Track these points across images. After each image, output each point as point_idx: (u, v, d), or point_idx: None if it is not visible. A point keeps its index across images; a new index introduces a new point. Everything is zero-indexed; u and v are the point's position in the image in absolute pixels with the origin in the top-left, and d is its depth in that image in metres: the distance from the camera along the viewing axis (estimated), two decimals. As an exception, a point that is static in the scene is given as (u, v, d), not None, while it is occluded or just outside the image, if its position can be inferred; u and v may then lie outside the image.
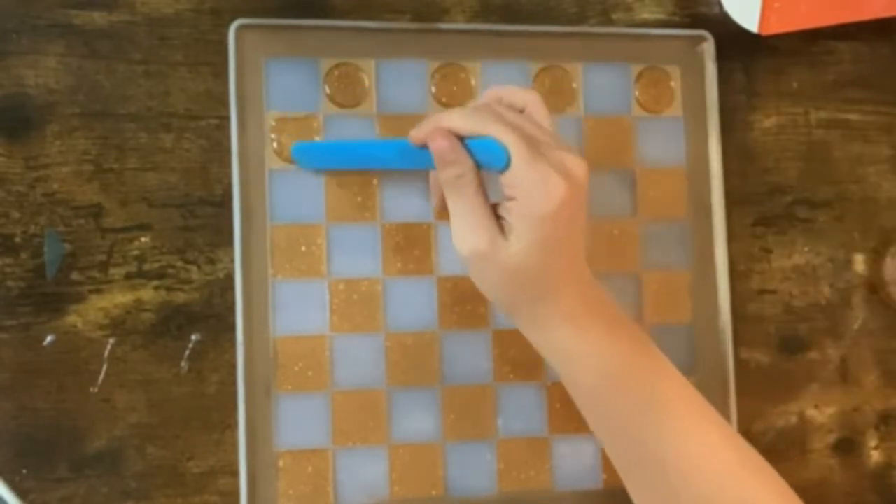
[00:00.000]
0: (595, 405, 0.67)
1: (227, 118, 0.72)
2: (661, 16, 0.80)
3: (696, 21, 0.80)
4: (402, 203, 0.74)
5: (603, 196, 0.77)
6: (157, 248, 0.71)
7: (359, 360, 0.73)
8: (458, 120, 0.64)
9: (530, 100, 0.67)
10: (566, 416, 0.74)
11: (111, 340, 0.70)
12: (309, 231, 0.73)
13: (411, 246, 0.74)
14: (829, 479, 0.80)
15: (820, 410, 0.80)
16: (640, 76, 0.78)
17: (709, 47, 0.79)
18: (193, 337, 0.71)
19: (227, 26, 0.73)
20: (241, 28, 0.73)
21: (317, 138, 0.74)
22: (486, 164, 0.63)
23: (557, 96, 0.77)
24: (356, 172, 0.74)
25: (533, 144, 0.62)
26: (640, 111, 0.78)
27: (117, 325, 0.70)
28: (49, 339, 0.70)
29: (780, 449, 0.79)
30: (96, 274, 0.70)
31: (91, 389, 0.70)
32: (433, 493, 0.73)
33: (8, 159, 0.70)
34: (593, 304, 0.66)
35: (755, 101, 0.81)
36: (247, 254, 0.72)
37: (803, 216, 0.81)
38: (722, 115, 0.79)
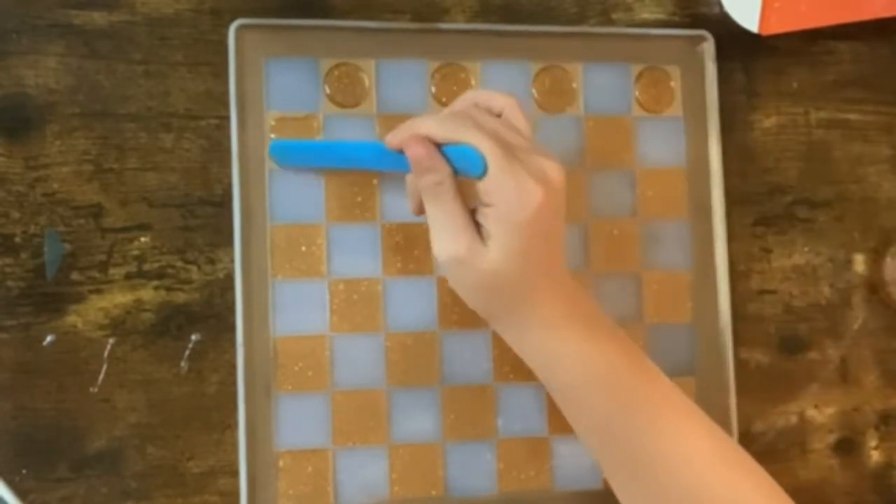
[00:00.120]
0: (577, 406, 0.67)
1: (227, 118, 0.72)
2: (661, 16, 0.80)
3: (696, 21, 0.80)
4: (402, 203, 0.74)
5: (603, 196, 0.77)
6: (157, 248, 0.71)
7: (359, 360, 0.73)
8: (433, 127, 0.64)
9: (507, 104, 0.67)
10: (566, 416, 0.74)
11: (111, 340, 0.70)
12: (309, 231, 0.73)
13: (411, 246, 0.74)
14: (829, 479, 0.80)
15: (820, 410, 0.80)
16: (640, 76, 0.78)
17: (709, 47, 0.79)
18: (193, 337, 0.71)
19: (227, 26, 0.73)
20: (241, 28, 0.73)
21: (317, 138, 0.74)
22: (463, 170, 0.63)
23: (557, 96, 0.77)
24: (356, 172, 0.74)
25: (509, 150, 0.62)
26: (640, 111, 0.78)
27: (117, 325, 0.70)
28: (49, 339, 0.70)
29: (780, 449, 0.79)
30: (96, 274, 0.70)
31: (91, 389, 0.70)
32: (433, 493, 0.73)
33: (8, 159, 0.70)
34: (573, 306, 0.66)
35: (755, 101, 0.81)
36: (247, 254, 0.72)
37: (803, 216, 0.81)
38: (722, 115, 0.79)
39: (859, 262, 0.82)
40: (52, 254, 0.70)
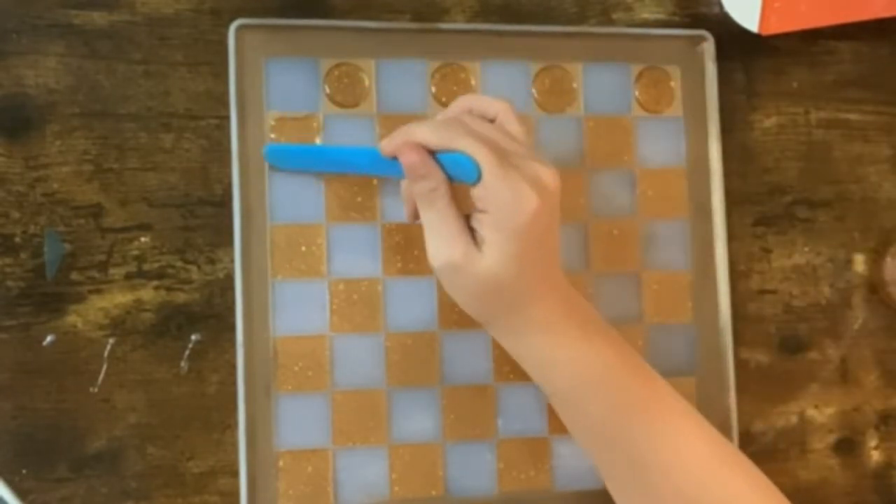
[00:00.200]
0: (573, 409, 0.67)
1: (227, 118, 0.72)
2: (661, 16, 0.80)
3: (696, 21, 0.80)
4: (401, 204, 0.74)
5: (603, 196, 0.77)
6: (157, 248, 0.71)
7: (359, 360, 0.73)
8: (427, 134, 0.64)
9: (501, 108, 0.67)
10: (566, 416, 0.74)
11: (111, 340, 0.70)
12: (309, 231, 0.73)
13: (411, 246, 0.74)
14: (829, 479, 0.80)
15: (820, 410, 0.80)
16: (640, 76, 0.78)
17: (709, 47, 0.79)
18: (193, 337, 0.71)
19: (227, 26, 0.73)
20: (241, 28, 0.73)
21: (317, 138, 0.74)
22: (457, 177, 0.63)
23: (557, 96, 0.77)
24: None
25: (504, 157, 0.62)
26: (640, 111, 0.78)
27: (117, 325, 0.70)
28: (49, 339, 0.70)
29: (780, 449, 0.79)
30: (96, 274, 0.70)
31: (91, 389, 0.70)
32: (433, 493, 0.73)
33: (8, 159, 0.70)
34: (568, 310, 0.66)
35: (755, 101, 0.81)
36: (247, 254, 0.72)
37: (803, 216, 0.81)
38: (722, 115, 0.79)
39: (859, 262, 0.82)
40: (52, 254, 0.70)
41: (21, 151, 0.70)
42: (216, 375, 0.71)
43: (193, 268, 0.72)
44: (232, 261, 0.72)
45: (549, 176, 0.63)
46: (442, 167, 0.64)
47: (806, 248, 0.81)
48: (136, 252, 0.71)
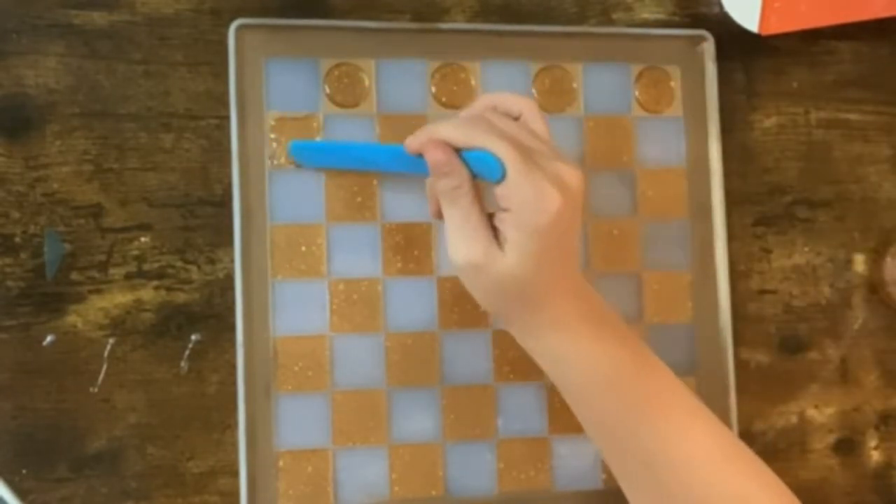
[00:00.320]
0: (586, 407, 0.67)
1: (227, 118, 0.72)
2: (661, 16, 0.80)
3: (696, 21, 0.80)
4: (402, 203, 0.74)
5: (603, 196, 0.77)
6: (157, 248, 0.71)
7: (359, 360, 0.73)
8: (452, 132, 0.64)
9: (526, 107, 0.67)
10: (566, 416, 0.74)
11: (111, 340, 0.70)
12: (309, 231, 0.73)
13: (411, 246, 0.74)
14: (829, 479, 0.80)
15: (820, 410, 0.80)
16: (640, 76, 0.78)
17: (709, 47, 0.79)
18: (193, 337, 0.71)
19: (227, 26, 0.73)
20: (241, 28, 0.73)
21: (317, 138, 0.74)
22: (481, 175, 0.63)
23: (557, 96, 0.77)
24: (356, 172, 0.74)
25: (528, 156, 0.62)
26: (640, 111, 0.78)
27: (117, 325, 0.70)
28: (49, 339, 0.70)
29: (780, 449, 0.79)
30: (96, 274, 0.70)
31: (91, 389, 0.70)
32: (433, 493, 0.73)
33: (8, 159, 0.70)
34: (585, 309, 0.66)
35: (755, 101, 0.81)
36: (247, 254, 0.72)
37: (803, 216, 0.81)
38: (722, 115, 0.79)
39: (859, 262, 0.82)
40: (52, 254, 0.70)
41: (21, 151, 0.70)
42: (216, 375, 0.71)
43: (193, 268, 0.72)
44: (232, 261, 0.72)
45: (572, 175, 0.63)
46: (466, 165, 0.63)
47: (806, 248, 0.81)
48: (136, 252, 0.71)
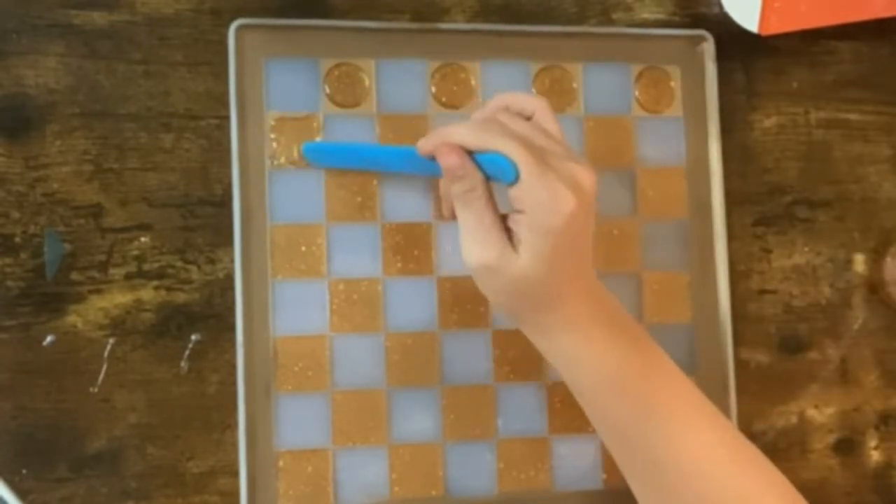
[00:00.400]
0: (596, 408, 0.67)
1: (227, 118, 0.72)
2: (661, 16, 0.80)
3: (696, 21, 0.80)
4: (402, 203, 0.74)
5: (603, 196, 0.76)
6: (157, 248, 0.71)
7: (359, 360, 0.73)
8: (465, 134, 0.64)
9: (538, 107, 0.66)
10: (566, 416, 0.74)
11: (111, 340, 0.70)
12: (309, 231, 0.73)
13: (411, 246, 0.74)
14: (829, 479, 0.80)
15: (820, 410, 0.80)
16: (640, 76, 0.78)
17: (709, 47, 0.79)
18: (193, 337, 0.71)
19: (227, 26, 0.73)
20: (241, 28, 0.73)
21: (317, 138, 0.74)
22: (495, 177, 0.63)
23: (557, 96, 0.77)
24: (356, 172, 0.74)
25: (541, 157, 0.62)
26: (640, 111, 0.78)
27: (117, 325, 0.70)
28: (49, 339, 0.69)
29: (780, 449, 0.79)
30: (96, 274, 0.70)
31: (91, 389, 0.70)
32: (433, 493, 0.73)
33: (8, 159, 0.70)
34: (597, 310, 0.66)
35: (755, 101, 0.81)
36: (247, 254, 0.72)
37: (803, 216, 0.81)
38: (722, 115, 0.79)
39: (859, 262, 0.82)
40: (52, 254, 0.70)
41: (21, 151, 0.70)
42: (216, 375, 0.71)
43: (193, 268, 0.72)
44: (232, 261, 0.72)
45: (585, 176, 0.63)
46: (480, 167, 0.63)
47: (806, 248, 0.81)
48: (136, 252, 0.71)
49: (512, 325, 0.68)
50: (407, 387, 0.73)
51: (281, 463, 0.71)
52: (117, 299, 0.71)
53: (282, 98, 0.73)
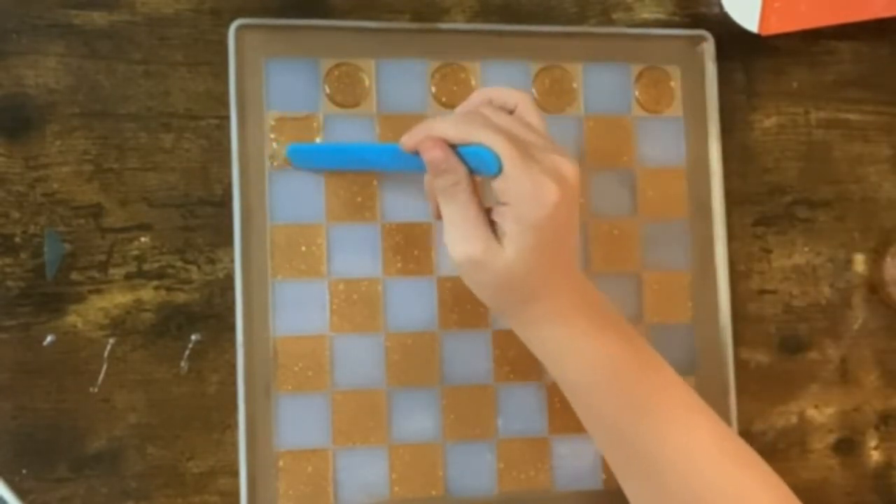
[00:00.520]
0: (584, 402, 0.67)
1: (227, 118, 0.72)
2: (661, 16, 0.80)
3: (696, 21, 0.80)
4: (402, 203, 0.74)
5: (603, 196, 0.77)
6: (157, 248, 0.71)
7: (359, 360, 0.73)
8: (448, 128, 0.64)
9: (520, 99, 0.67)
10: (566, 416, 0.74)
11: (111, 340, 0.70)
12: (309, 231, 0.73)
13: (411, 246, 0.74)
14: (829, 479, 0.80)
15: (820, 410, 0.80)
16: (640, 76, 0.78)
17: (709, 47, 0.79)
18: (193, 337, 0.71)
19: (227, 26, 0.73)
20: (241, 28, 0.73)
21: (317, 138, 0.74)
22: (478, 170, 0.63)
23: (557, 96, 0.77)
24: (356, 172, 0.74)
25: (524, 149, 0.62)
26: (640, 111, 0.78)
27: (117, 325, 0.70)
28: (49, 339, 0.69)
29: (780, 449, 0.79)
30: (96, 274, 0.70)
31: (91, 389, 0.70)
32: (433, 493, 0.73)
33: (8, 159, 0.70)
34: (583, 303, 0.66)
35: (755, 101, 0.81)
36: (247, 254, 0.72)
37: (803, 216, 0.81)
38: (722, 115, 0.79)
39: (859, 262, 0.82)
40: (52, 254, 0.70)
41: (21, 151, 0.70)
42: (216, 375, 0.71)
43: (193, 268, 0.72)
44: (232, 261, 0.72)
45: (568, 167, 0.63)
46: (463, 160, 0.64)
47: (806, 248, 0.81)
48: (136, 252, 0.71)
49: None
50: (407, 387, 0.73)
51: (281, 463, 0.71)
52: (117, 299, 0.71)
53: (282, 98, 0.73)
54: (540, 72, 0.77)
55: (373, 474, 0.72)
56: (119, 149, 0.71)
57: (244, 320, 0.71)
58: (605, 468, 0.75)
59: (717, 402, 0.76)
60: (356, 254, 0.73)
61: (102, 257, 0.71)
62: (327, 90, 0.74)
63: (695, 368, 0.77)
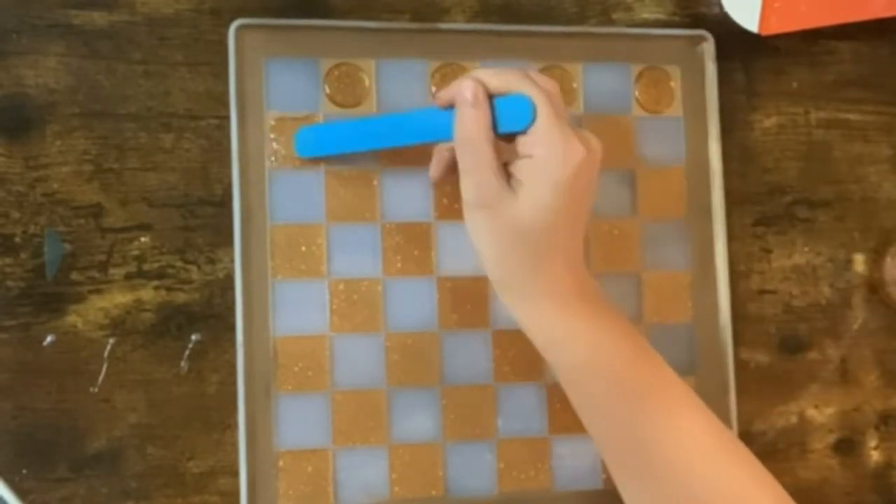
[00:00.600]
0: (576, 388, 0.67)
1: (227, 118, 0.72)
2: (661, 16, 0.80)
3: (696, 21, 0.80)
4: (402, 203, 0.74)
5: (603, 196, 0.77)
6: (157, 248, 0.71)
7: (359, 360, 0.73)
8: (490, 75, 0.65)
9: (553, 87, 0.67)
10: (566, 416, 0.74)
11: (111, 340, 0.70)
12: (309, 231, 0.73)
13: (411, 246, 0.74)
14: (829, 479, 0.80)
15: (820, 410, 0.80)
16: (640, 76, 0.78)
17: (709, 47, 0.79)
18: (193, 337, 0.71)
19: (227, 26, 0.73)
20: (241, 28, 0.73)
21: (317, 138, 0.74)
22: (508, 123, 0.64)
23: (557, 96, 0.77)
24: (356, 171, 0.74)
25: (560, 111, 0.64)
26: (640, 111, 0.78)
27: (117, 325, 0.70)
28: (49, 339, 0.70)
29: (780, 449, 0.79)
30: (96, 274, 0.70)
31: (91, 389, 0.70)
32: (433, 493, 0.73)
33: (8, 159, 0.70)
34: (582, 287, 0.66)
35: (755, 101, 0.81)
36: (247, 254, 0.72)
37: (803, 216, 0.81)
38: (722, 115, 0.79)
39: (859, 262, 0.82)
40: (52, 254, 0.70)
41: (21, 151, 0.70)
42: (216, 375, 0.71)
43: (193, 268, 0.72)
44: (232, 261, 0.72)
45: (596, 142, 0.65)
46: (494, 115, 0.64)
47: (806, 248, 0.81)
48: (136, 252, 0.71)
49: (512, 326, 0.68)
50: (407, 387, 0.73)
51: (281, 463, 0.71)
52: (117, 299, 0.71)
53: (282, 98, 0.73)
54: (540, 72, 0.77)
55: (373, 474, 0.72)
56: (119, 149, 0.71)
57: (244, 320, 0.71)
58: (605, 468, 0.75)
59: (717, 402, 0.76)
60: (356, 254, 0.73)
61: (102, 257, 0.71)
62: (327, 90, 0.74)
63: (695, 368, 0.77)
